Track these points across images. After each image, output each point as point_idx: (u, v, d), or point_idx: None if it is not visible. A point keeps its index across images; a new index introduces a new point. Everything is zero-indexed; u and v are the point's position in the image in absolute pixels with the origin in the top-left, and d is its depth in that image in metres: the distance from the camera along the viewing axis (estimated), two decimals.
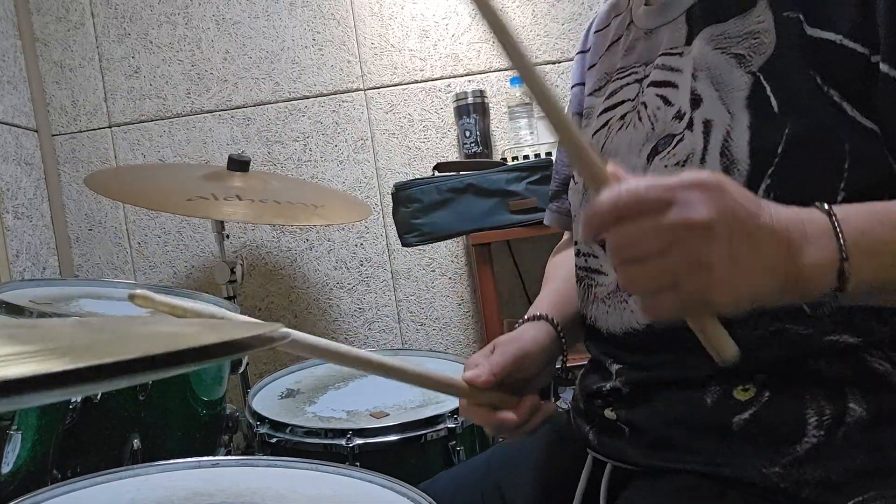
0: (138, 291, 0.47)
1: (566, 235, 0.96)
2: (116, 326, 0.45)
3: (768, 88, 0.58)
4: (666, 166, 0.64)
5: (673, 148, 0.64)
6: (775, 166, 0.57)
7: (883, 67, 0.54)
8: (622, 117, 0.73)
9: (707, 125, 0.61)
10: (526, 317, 0.79)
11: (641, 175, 0.66)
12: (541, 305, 0.83)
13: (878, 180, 0.56)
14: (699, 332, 0.49)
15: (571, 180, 0.81)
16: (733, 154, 0.59)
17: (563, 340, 0.78)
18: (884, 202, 0.51)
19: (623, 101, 0.73)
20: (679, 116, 0.64)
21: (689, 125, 0.63)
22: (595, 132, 0.77)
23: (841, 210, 0.49)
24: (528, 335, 0.75)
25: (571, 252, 0.81)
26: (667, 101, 0.66)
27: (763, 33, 0.59)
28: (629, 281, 0.47)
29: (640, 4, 0.75)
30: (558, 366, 0.79)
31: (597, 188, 0.47)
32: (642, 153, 0.67)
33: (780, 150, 0.57)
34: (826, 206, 0.49)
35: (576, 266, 0.78)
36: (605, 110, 0.76)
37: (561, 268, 0.90)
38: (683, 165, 0.62)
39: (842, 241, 0.47)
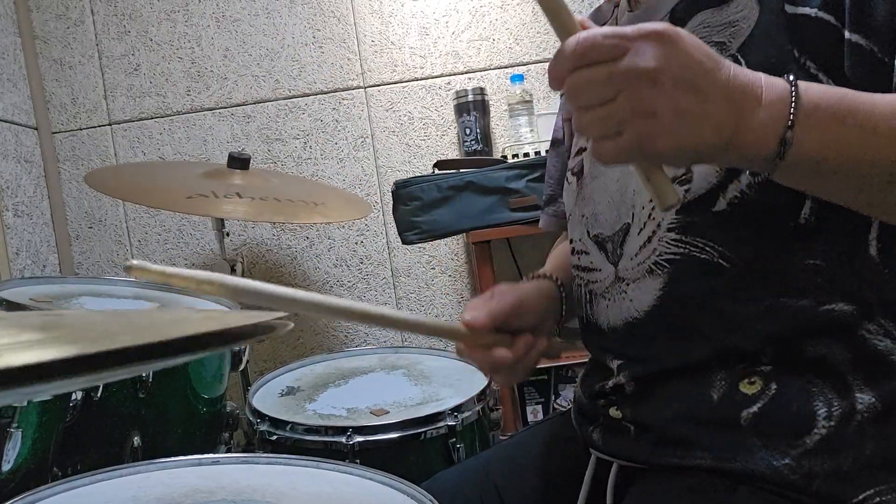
0: (134, 263, 0.45)
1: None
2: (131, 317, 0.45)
3: (744, 63, 0.59)
4: None
5: None
6: None
7: (851, 37, 0.55)
8: None
9: None
10: (530, 276, 0.81)
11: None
12: (544, 269, 0.84)
13: None
14: (644, 180, 0.51)
15: (566, 181, 0.82)
16: None
17: (564, 297, 0.79)
18: (863, 94, 0.51)
19: None
20: None
21: None
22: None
23: (808, 84, 0.49)
24: (528, 285, 0.77)
25: None
26: None
27: (742, 20, 0.61)
28: (580, 125, 0.49)
29: (624, 11, 0.76)
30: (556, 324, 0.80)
31: (565, 38, 0.49)
32: None
33: None
34: (791, 77, 0.49)
35: (572, 266, 0.78)
36: None
37: (566, 248, 0.91)
38: None
39: (792, 108, 0.48)
